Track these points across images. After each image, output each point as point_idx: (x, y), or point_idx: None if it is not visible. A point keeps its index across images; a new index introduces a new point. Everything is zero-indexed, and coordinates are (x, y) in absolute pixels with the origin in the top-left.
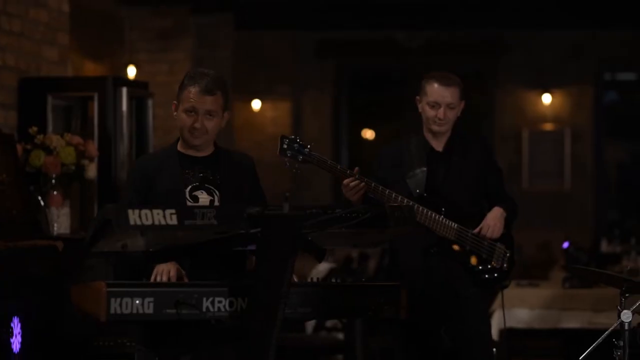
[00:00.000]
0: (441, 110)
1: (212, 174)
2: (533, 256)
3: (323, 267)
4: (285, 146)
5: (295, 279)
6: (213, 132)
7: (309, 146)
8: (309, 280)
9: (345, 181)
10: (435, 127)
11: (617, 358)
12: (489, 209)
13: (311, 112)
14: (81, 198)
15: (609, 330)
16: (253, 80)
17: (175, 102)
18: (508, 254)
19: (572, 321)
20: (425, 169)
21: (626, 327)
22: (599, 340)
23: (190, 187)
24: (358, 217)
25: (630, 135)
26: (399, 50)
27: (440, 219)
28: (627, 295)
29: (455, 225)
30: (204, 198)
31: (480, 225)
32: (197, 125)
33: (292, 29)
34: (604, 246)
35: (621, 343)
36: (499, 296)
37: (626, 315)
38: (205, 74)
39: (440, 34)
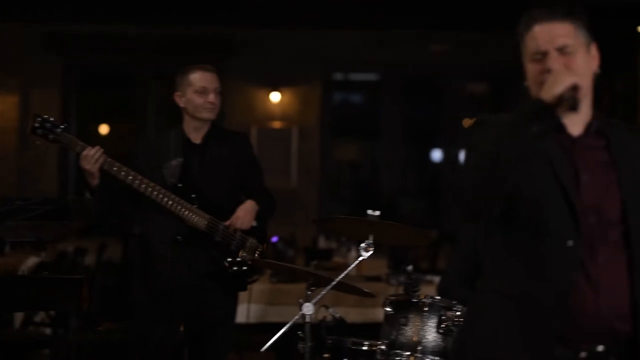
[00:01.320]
0: (211, 95)
1: None
2: None
3: (31, 261)
4: (36, 125)
5: None
6: None
7: (62, 126)
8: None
9: (85, 152)
10: (206, 114)
11: (301, 350)
12: None
13: (40, 107)
14: None
15: (291, 322)
16: None
17: None
18: (260, 249)
19: (278, 315)
20: (181, 159)
21: (307, 320)
22: (281, 332)
23: None
24: (38, 210)
25: (365, 134)
26: (131, 46)
27: (192, 209)
28: (312, 288)
29: (207, 216)
30: None
31: (231, 218)
32: None
33: (18, 21)
34: (322, 242)
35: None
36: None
37: (307, 308)
38: None
39: (173, 31)
